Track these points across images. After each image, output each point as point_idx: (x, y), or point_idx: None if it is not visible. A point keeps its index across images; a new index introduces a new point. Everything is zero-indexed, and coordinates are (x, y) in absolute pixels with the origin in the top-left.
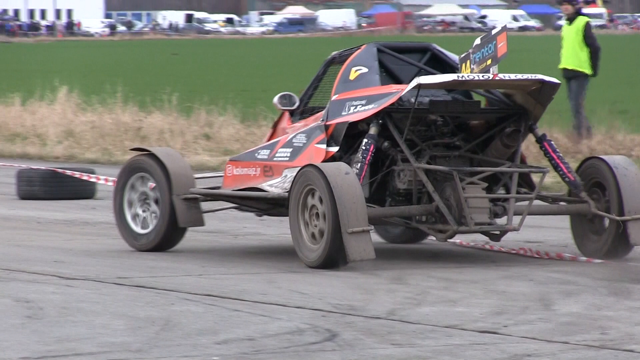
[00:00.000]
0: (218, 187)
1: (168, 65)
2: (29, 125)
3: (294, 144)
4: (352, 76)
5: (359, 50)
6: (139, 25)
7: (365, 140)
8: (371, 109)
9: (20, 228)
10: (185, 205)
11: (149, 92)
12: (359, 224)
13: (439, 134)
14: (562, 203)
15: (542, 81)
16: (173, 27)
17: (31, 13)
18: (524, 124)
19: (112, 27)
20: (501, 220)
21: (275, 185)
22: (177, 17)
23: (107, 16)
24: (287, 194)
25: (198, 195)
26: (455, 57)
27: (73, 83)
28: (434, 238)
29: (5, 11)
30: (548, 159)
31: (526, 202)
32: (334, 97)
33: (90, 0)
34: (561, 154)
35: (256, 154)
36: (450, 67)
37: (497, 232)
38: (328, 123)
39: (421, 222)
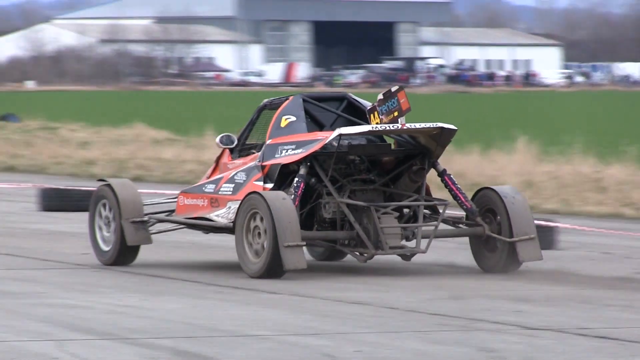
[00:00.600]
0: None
1: (626, 116)
2: (488, 175)
3: (236, 181)
4: (283, 124)
5: (287, 101)
6: (596, 76)
7: (296, 178)
8: (300, 153)
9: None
10: (132, 227)
11: (607, 143)
12: (294, 239)
13: (357, 171)
14: (461, 226)
15: (442, 128)
16: (628, 79)
17: (488, 63)
18: (427, 162)
19: (569, 78)
20: (411, 244)
21: (221, 216)
22: (633, 68)
23: (565, 67)
24: (231, 224)
25: (145, 219)
26: (368, 103)
27: (531, 133)
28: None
29: (462, 61)
30: (448, 190)
31: (432, 228)
32: (268, 142)
33: (548, 52)
34: (459, 186)
35: (204, 188)
36: (363, 113)
37: (408, 254)
38: (264, 164)
39: (344, 245)
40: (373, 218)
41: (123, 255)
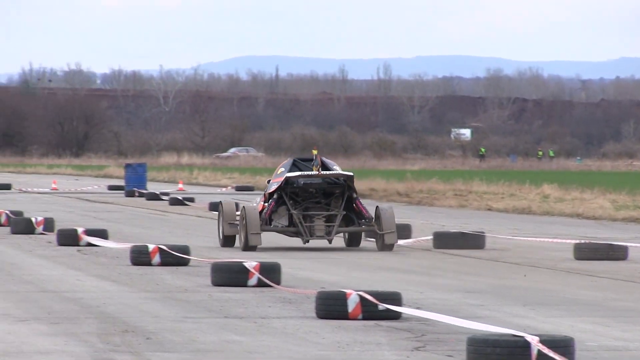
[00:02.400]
0: None
1: None
2: None
3: (257, 201)
4: (278, 172)
5: (285, 161)
6: None
7: (270, 199)
8: (272, 188)
9: None
10: (228, 225)
11: None
12: (255, 229)
13: (312, 196)
14: (364, 226)
15: (340, 174)
16: None
17: None
18: (348, 190)
19: None
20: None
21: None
22: None
23: None
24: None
25: (234, 221)
26: (333, 163)
27: None
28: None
29: None
30: (356, 207)
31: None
32: (270, 180)
33: None
34: (365, 206)
35: (254, 203)
36: (324, 166)
37: (328, 240)
38: (265, 192)
39: (292, 234)
40: (309, 220)
41: (226, 241)
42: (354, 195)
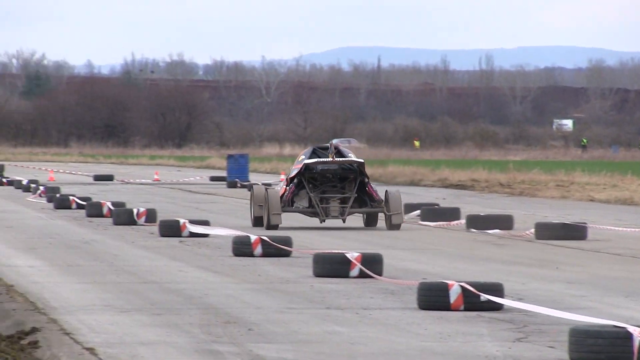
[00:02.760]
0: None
1: None
2: None
3: (280, 184)
4: (299, 159)
5: (306, 149)
6: None
7: (291, 183)
8: (295, 173)
9: None
10: (257, 207)
11: None
12: (276, 210)
13: (328, 180)
14: (377, 208)
15: (352, 160)
16: None
17: None
18: (360, 176)
19: None
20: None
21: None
22: None
23: None
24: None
25: (262, 204)
26: (349, 151)
27: None
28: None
29: None
30: (368, 190)
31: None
32: (292, 166)
33: None
34: (375, 189)
35: (277, 186)
36: (339, 153)
37: (342, 220)
38: (287, 177)
39: (310, 214)
40: (325, 202)
41: (256, 221)
42: (366, 180)
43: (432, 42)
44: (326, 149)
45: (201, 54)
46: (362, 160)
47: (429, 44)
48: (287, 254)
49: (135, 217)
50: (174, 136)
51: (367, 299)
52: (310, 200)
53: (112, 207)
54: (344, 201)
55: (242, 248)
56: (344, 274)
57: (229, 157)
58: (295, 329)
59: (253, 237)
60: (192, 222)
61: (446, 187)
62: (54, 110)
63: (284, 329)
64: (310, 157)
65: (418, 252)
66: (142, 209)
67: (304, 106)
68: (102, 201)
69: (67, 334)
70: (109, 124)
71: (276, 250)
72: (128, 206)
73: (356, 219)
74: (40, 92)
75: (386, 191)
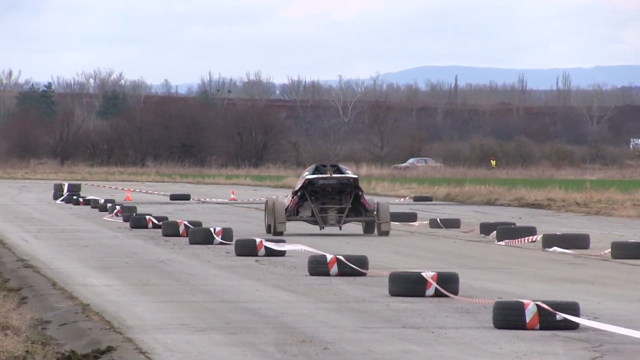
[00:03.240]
0: None
1: None
2: None
3: (286, 196)
4: (304, 174)
5: (310, 166)
6: None
7: (295, 195)
8: (299, 187)
9: None
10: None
11: None
12: (281, 219)
13: (328, 193)
14: (370, 217)
15: (348, 177)
16: None
17: None
18: (355, 189)
19: None
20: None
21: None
22: None
23: None
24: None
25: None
26: (346, 168)
27: None
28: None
29: None
30: (362, 202)
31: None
32: (297, 181)
33: None
34: (367, 199)
35: (284, 199)
36: (339, 171)
37: (338, 227)
38: (293, 191)
39: (312, 222)
40: (324, 212)
41: (268, 229)
42: (360, 193)
43: (509, 61)
44: (332, 166)
45: (278, 73)
46: (355, 176)
47: (506, 64)
48: (362, 273)
49: (214, 235)
50: (250, 156)
51: (443, 318)
52: (312, 210)
53: (189, 226)
54: (341, 211)
55: (317, 267)
56: (420, 293)
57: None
58: (370, 348)
59: (329, 257)
60: (269, 242)
61: (522, 206)
62: (131, 130)
63: (360, 348)
64: (313, 174)
65: (493, 271)
66: (218, 228)
67: (381, 126)
68: (178, 220)
69: (143, 352)
70: (186, 144)
71: (352, 269)
72: (205, 225)
73: (355, 227)
74: (117, 111)
75: (377, 202)
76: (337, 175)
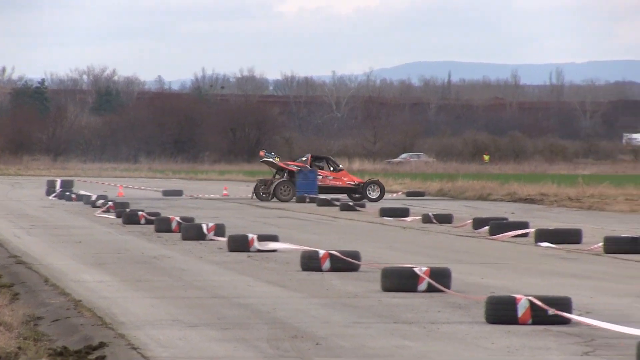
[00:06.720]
0: None
1: None
2: None
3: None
4: (297, 161)
5: (308, 155)
6: None
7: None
8: (290, 167)
9: None
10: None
11: None
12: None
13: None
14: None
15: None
16: None
17: None
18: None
19: None
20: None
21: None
22: None
23: None
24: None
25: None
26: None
27: None
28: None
29: None
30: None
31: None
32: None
33: None
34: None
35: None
36: (334, 163)
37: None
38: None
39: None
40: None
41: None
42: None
43: (503, 56)
44: (319, 158)
45: (271, 69)
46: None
47: (499, 59)
48: (355, 268)
49: (206, 231)
50: (243, 151)
51: (435, 313)
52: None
53: (181, 222)
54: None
55: (310, 262)
56: (412, 288)
57: (299, 172)
58: (363, 343)
59: (321, 252)
60: (261, 237)
61: (515, 201)
62: (124, 126)
63: (352, 343)
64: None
65: (486, 266)
66: (210, 224)
67: (374, 121)
68: (170, 216)
69: (135, 348)
70: (179, 140)
71: (344, 264)
72: (197, 221)
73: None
74: (111, 107)
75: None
76: (291, 162)
